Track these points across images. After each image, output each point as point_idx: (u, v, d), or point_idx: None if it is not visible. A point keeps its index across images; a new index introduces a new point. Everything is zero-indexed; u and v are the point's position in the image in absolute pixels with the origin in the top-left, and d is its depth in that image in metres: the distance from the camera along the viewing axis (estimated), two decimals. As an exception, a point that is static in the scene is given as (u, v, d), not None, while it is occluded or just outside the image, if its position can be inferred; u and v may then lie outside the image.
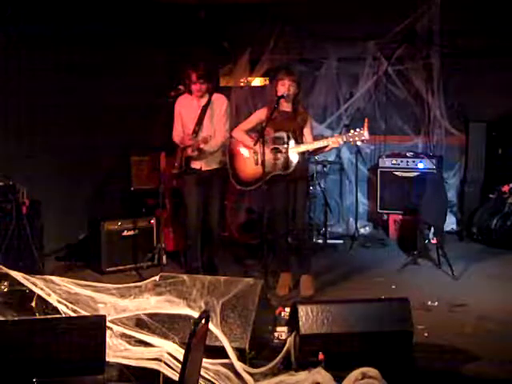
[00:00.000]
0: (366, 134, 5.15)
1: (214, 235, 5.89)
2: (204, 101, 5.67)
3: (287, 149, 5.34)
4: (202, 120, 5.63)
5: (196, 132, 5.61)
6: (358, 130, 5.20)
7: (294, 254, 5.71)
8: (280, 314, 4.80)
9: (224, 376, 3.75)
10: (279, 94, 5.35)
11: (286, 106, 5.46)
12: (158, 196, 5.70)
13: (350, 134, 5.22)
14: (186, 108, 5.71)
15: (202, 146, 5.53)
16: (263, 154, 5.18)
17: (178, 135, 5.73)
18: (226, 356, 3.87)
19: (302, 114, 5.47)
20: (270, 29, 7.97)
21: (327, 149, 5.43)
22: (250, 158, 5.53)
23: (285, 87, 5.35)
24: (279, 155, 5.40)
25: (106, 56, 7.06)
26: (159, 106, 5.94)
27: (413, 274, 6.16)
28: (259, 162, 5.30)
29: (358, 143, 5.29)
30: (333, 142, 5.28)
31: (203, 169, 5.69)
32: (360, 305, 4.22)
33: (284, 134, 5.36)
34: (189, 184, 5.76)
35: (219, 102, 5.70)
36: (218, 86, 8.28)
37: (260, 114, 5.58)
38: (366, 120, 5.25)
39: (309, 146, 5.38)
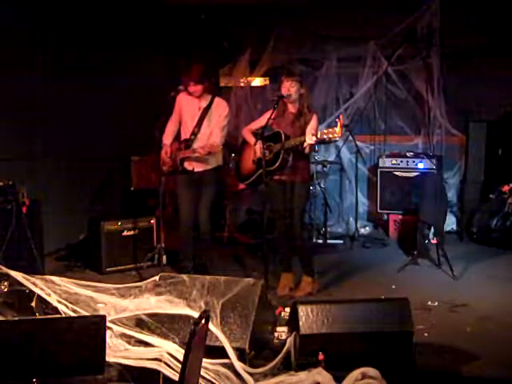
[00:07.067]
0: (338, 131, 4.91)
1: (202, 234, 5.84)
2: (205, 103, 5.68)
3: (278, 147, 5.33)
4: (201, 122, 5.65)
5: (195, 134, 5.65)
6: (332, 127, 5.02)
7: (296, 255, 5.70)
8: (280, 313, 4.80)
9: (224, 376, 3.74)
10: (281, 94, 5.35)
11: (291, 107, 5.44)
12: (158, 196, 5.70)
13: (324, 131, 5.03)
14: (186, 106, 5.73)
15: (195, 155, 5.56)
16: (260, 152, 5.23)
17: (167, 138, 5.77)
18: (226, 356, 3.87)
19: (305, 116, 5.35)
20: (269, 29, 7.98)
21: (305, 146, 5.17)
22: (250, 156, 5.57)
23: (285, 88, 5.35)
24: (270, 153, 5.38)
25: (106, 56, 7.07)
26: (159, 106, 5.94)
27: (413, 274, 6.16)
28: (255, 159, 5.44)
29: (337, 139, 5.14)
30: (308, 138, 5.08)
31: (195, 170, 5.71)
32: (360, 305, 4.22)
33: (280, 132, 5.34)
34: (180, 184, 5.79)
35: (220, 107, 5.69)
36: (218, 85, 8.31)
37: (268, 115, 5.56)
38: (341, 117, 5.05)
39: (286, 143, 5.27)
